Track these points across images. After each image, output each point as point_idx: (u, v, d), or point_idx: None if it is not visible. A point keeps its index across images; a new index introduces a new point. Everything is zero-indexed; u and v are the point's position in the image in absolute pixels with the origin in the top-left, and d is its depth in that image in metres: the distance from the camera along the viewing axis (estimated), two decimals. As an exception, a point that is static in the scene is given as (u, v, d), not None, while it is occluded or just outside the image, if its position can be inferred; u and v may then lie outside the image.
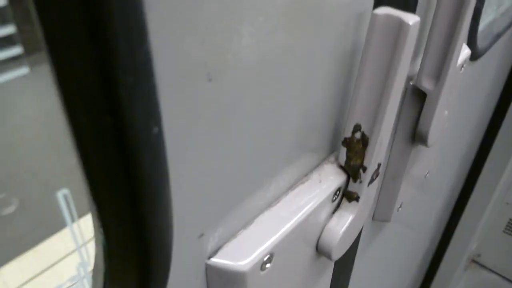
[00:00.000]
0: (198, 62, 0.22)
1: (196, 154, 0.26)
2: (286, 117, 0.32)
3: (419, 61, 0.51)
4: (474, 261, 2.16)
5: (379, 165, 0.39)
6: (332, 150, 0.41)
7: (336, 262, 0.52)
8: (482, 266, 2.14)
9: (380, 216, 0.64)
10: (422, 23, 0.48)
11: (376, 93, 0.34)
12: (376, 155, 0.37)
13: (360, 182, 0.38)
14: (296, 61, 0.30)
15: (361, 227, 0.43)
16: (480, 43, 0.75)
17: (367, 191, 0.39)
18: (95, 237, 0.25)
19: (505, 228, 1.98)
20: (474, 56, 0.74)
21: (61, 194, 0.22)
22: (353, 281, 0.73)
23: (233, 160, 0.29)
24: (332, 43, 0.33)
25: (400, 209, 0.66)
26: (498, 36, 0.83)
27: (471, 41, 0.66)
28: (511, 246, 1.99)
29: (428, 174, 0.72)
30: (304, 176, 0.38)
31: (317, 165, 0.39)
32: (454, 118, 0.82)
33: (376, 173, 0.39)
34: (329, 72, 0.34)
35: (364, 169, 0.37)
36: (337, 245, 0.39)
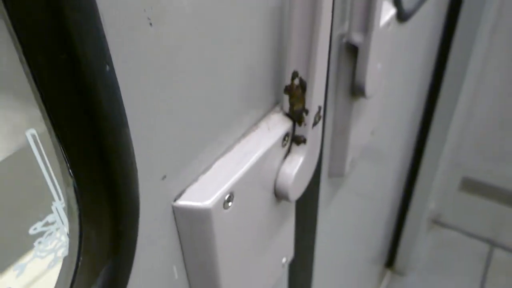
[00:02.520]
0: (138, 8, 0.25)
1: (150, 98, 0.29)
2: (228, 66, 0.36)
3: (348, 21, 0.56)
4: (435, 222, 2.28)
5: (319, 107, 0.43)
6: (277, 101, 0.44)
7: (299, 214, 0.57)
8: (444, 225, 2.27)
9: (334, 171, 0.69)
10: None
11: (307, 38, 0.38)
12: (315, 97, 0.41)
13: (305, 125, 0.42)
14: (229, 10, 0.33)
15: (313, 169, 0.47)
16: (407, 4, 0.82)
17: (312, 133, 0.43)
18: (64, 179, 0.27)
19: (460, 187, 2.11)
20: (403, 17, 0.81)
21: (30, 134, 0.23)
22: (321, 242, 0.78)
23: (186, 106, 0.32)
24: (261, -3, 0.36)
25: (352, 163, 0.71)
26: (423, -1, 0.90)
27: (397, 1, 0.72)
28: (468, 203, 2.12)
29: (374, 130, 0.77)
30: (254, 125, 0.42)
31: (264, 116, 0.43)
32: (394, 76, 0.88)
33: (318, 116, 0.43)
34: (263, 22, 0.38)
35: (307, 112, 0.42)
36: (292, 185, 0.43)
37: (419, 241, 1.88)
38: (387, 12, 0.64)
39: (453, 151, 1.90)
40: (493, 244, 2.14)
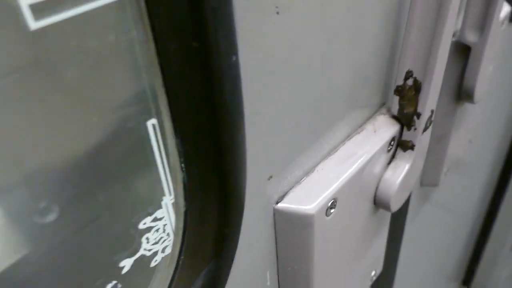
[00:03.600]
0: (268, -5, 0.23)
1: (266, 91, 0.27)
2: (342, 65, 0.33)
3: (460, 18, 0.50)
4: (519, 241, 2.09)
5: (432, 111, 0.39)
6: (383, 102, 0.41)
7: (391, 222, 0.53)
8: (529, 247, 2.07)
9: (428, 180, 0.64)
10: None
11: (427, 36, 0.35)
12: (430, 100, 0.37)
13: (415, 129, 0.39)
14: (349, 6, 0.31)
15: (417, 178, 0.43)
16: (517, 3, 0.74)
17: (422, 139, 0.40)
18: (174, 176, 0.26)
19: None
20: (512, 17, 0.73)
21: (150, 124, 0.23)
22: (403, 254, 0.73)
23: (298, 103, 0.30)
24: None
25: (447, 173, 0.65)
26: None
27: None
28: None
29: (472, 139, 0.71)
30: (359, 127, 0.39)
31: (371, 117, 0.40)
32: (496, 80, 0.81)
33: (430, 121, 0.39)
34: (379, 20, 0.35)
35: (418, 116, 0.38)
36: (395, 195, 0.40)
37: (501, 262, 1.73)
38: (503, 9, 0.58)
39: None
40: None
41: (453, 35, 0.51)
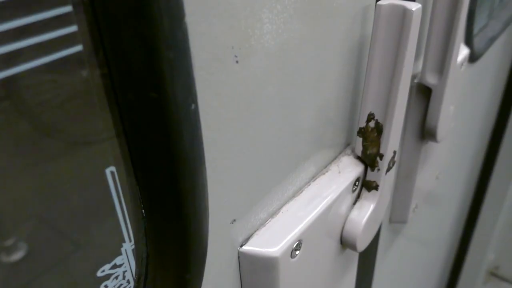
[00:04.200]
0: (227, 45, 0.24)
1: (227, 136, 0.27)
2: (304, 108, 0.34)
3: (421, 61, 0.53)
4: (493, 274, 2.12)
5: (394, 152, 0.40)
6: (347, 143, 0.42)
7: (359, 262, 0.53)
8: (502, 279, 2.10)
9: (396, 217, 0.64)
10: (422, 18, 0.50)
11: (387, 80, 0.36)
12: (391, 141, 0.38)
13: (378, 170, 0.40)
14: (310, 51, 0.32)
15: (382, 217, 0.44)
16: (477, 45, 0.78)
17: (385, 179, 0.40)
18: (134, 223, 0.26)
19: (521, 237, 1.95)
20: (473, 58, 0.77)
21: (109, 172, 0.22)
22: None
23: (260, 147, 0.31)
24: (341, 36, 0.35)
25: (415, 209, 0.66)
26: (493, 39, 0.86)
27: (468, 42, 0.69)
28: (529, 255, 1.96)
29: (439, 175, 0.73)
30: (324, 168, 0.39)
31: (335, 158, 0.41)
32: (460, 118, 0.84)
33: (393, 161, 0.40)
34: (340, 64, 0.36)
35: (381, 157, 0.39)
36: (361, 235, 0.40)
37: (475, 294, 1.74)
38: (461, 52, 0.61)
39: (515, 199, 1.77)
40: (559, 303, 1.95)
41: (415, 77, 0.54)
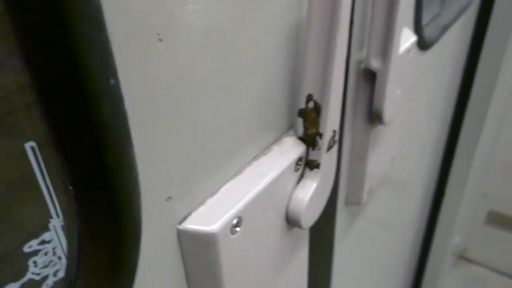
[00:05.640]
0: (148, 23, 0.25)
1: (158, 114, 0.28)
2: (243, 90, 0.35)
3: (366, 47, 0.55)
4: (461, 257, 2.19)
5: (334, 132, 0.41)
6: (291, 125, 0.43)
7: (315, 244, 0.54)
8: (470, 261, 2.17)
9: (351, 199, 0.66)
10: (365, 4, 0.52)
11: (323, 62, 0.37)
12: (330, 121, 0.40)
13: (319, 149, 0.41)
14: (243, 33, 0.33)
15: (327, 196, 0.45)
16: (428, 33, 0.80)
17: (327, 158, 0.42)
18: (63, 198, 0.26)
19: (486, 221, 2.03)
20: (424, 46, 0.80)
21: (29, 146, 0.22)
22: (338, 274, 0.75)
23: (195, 127, 0.32)
24: (276, 18, 0.36)
25: (370, 191, 0.68)
26: (445, 28, 0.89)
27: (418, 30, 0.71)
28: (495, 238, 2.03)
29: (394, 158, 0.75)
30: (266, 149, 0.41)
31: (278, 139, 0.42)
32: (417, 104, 0.87)
33: (333, 140, 0.42)
34: (278, 46, 0.38)
35: (321, 136, 0.40)
36: (304, 212, 0.41)
37: (444, 277, 1.80)
38: (408, 39, 0.63)
39: (479, 183, 1.83)
40: (522, 282, 2.03)
41: (362, 62, 0.55)
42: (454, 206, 1.52)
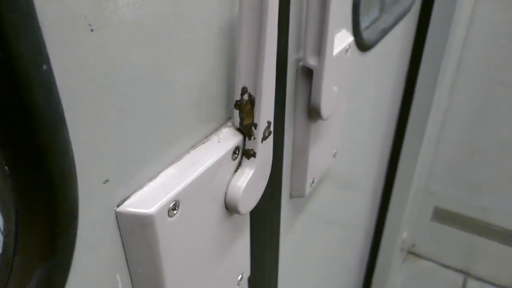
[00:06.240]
0: (80, 13, 0.27)
1: (93, 100, 0.30)
2: (179, 82, 0.37)
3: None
4: (410, 252, 2.29)
5: (269, 122, 0.45)
6: (230, 117, 0.46)
7: (260, 233, 0.57)
8: (419, 256, 2.28)
9: (295, 192, 0.70)
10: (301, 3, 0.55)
11: (254, 55, 0.40)
12: (264, 112, 0.43)
13: (254, 138, 0.44)
14: (176, 27, 0.35)
15: (264, 184, 0.48)
16: (368, 36, 0.86)
17: (262, 147, 0.45)
18: (0, 179, 0.28)
19: (432, 217, 2.14)
20: (364, 47, 0.85)
21: None
22: (286, 265, 0.78)
23: (132, 115, 0.34)
24: (210, 12, 0.39)
25: (313, 185, 0.72)
26: (385, 31, 0.95)
27: (356, 31, 0.76)
28: (441, 233, 2.15)
29: (336, 153, 0.80)
30: (204, 138, 0.43)
31: (216, 130, 0.44)
32: (359, 102, 0.92)
33: (268, 131, 0.45)
34: (213, 41, 0.40)
35: (256, 126, 0.43)
36: (241, 198, 0.44)
37: (393, 272, 1.88)
38: (345, 40, 0.68)
39: (425, 180, 1.93)
40: (466, 274, 2.16)
41: (300, 60, 0.59)
42: (401, 204, 1.60)
